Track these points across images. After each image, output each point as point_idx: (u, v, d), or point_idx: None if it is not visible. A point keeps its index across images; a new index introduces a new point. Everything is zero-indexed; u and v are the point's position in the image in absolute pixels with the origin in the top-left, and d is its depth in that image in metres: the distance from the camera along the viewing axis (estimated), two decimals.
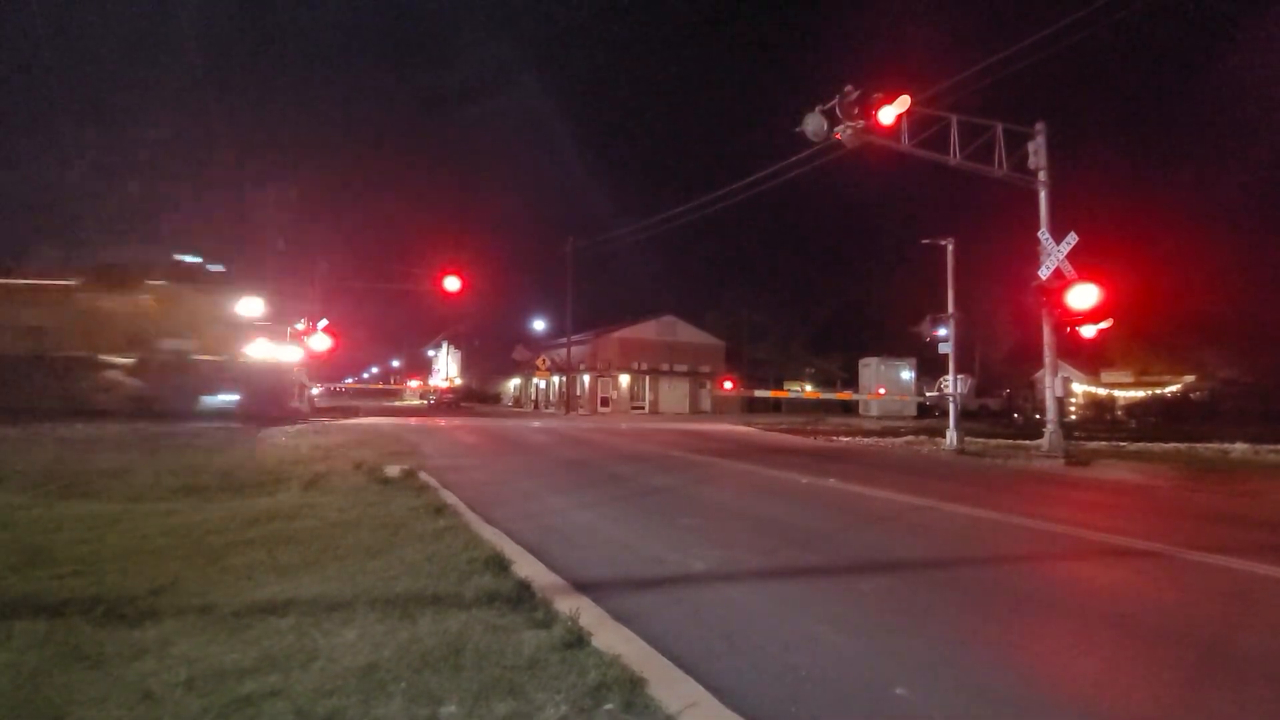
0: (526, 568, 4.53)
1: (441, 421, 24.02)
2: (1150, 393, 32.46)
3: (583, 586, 4.25)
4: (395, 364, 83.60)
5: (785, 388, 41.33)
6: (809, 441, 18.38)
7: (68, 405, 18.34)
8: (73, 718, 2.53)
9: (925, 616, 4.08)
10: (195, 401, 20.72)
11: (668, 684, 2.85)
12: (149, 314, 22.56)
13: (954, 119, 14.14)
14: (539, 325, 48.78)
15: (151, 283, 22.83)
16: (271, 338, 23.98)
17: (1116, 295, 13.25)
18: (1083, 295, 12.83)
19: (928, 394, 19.62)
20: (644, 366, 41.39)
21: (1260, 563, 5.34)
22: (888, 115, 13.25)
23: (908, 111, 13.66)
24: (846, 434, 21.15)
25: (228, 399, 21.25)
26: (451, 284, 24.19)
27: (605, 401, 41.14)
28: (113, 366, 20.87)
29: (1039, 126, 14.70)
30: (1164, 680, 3.27)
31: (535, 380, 46.91)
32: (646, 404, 41.48)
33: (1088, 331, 13.23)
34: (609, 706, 2.61)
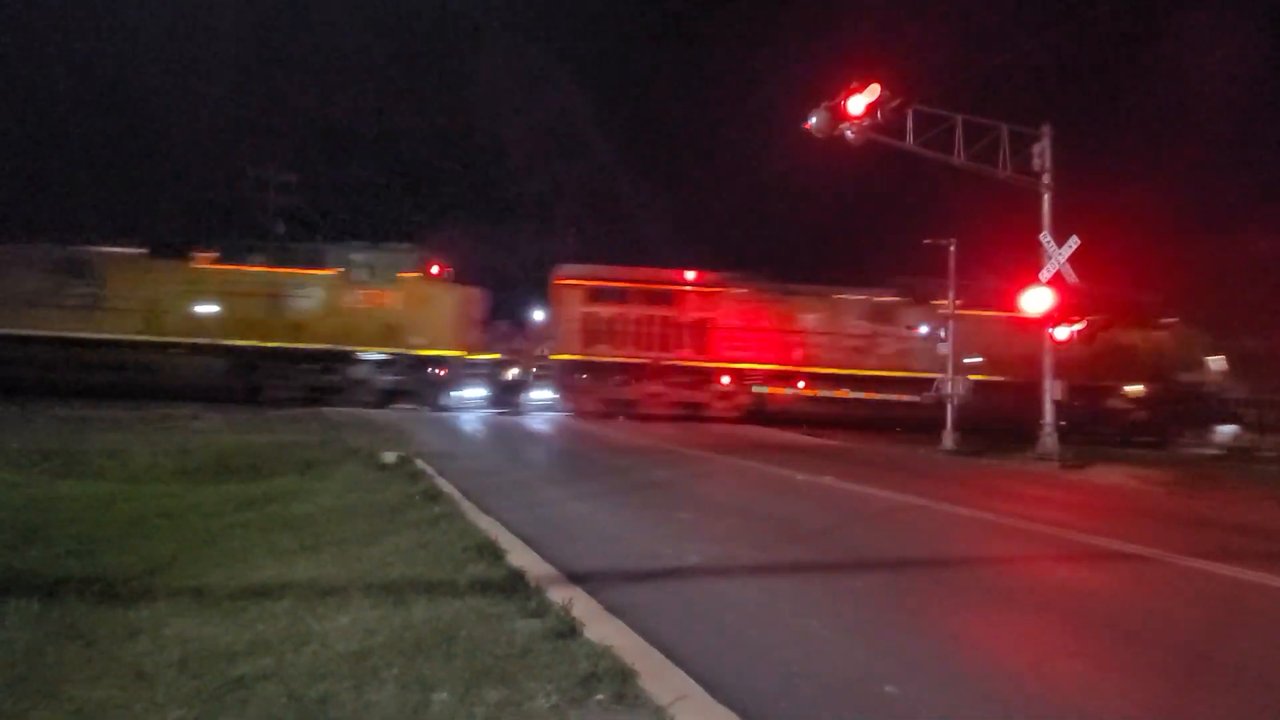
0: (521, 557, 4.55)
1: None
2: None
3: (576, 578, 4.26)
4: None
5: None
6: (806, 439, 18.42)
7: None
8: (66, 696, 2.55)
9: (916, 614, 4.10)
10: None
11: (659, 676, 2.87)
12: None
13: (959, 119, 14.08)
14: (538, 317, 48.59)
15: None
16: None
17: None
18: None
19: (925, 394, 19.63)
20: None
21: (1249, 569, 5.37)
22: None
23: (913, 111, 13.61)
24: (844, 432, 21.18)
25: None
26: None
27: None
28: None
29: (1044, 128, 14.65)
30: (1151, 682, 3.29)
31: None
32: None
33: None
34: (599, 697, 2.63)
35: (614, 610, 3.67)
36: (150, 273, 19.47)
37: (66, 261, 19.04)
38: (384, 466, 8.47)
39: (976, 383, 17.71)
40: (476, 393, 22.50)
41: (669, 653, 3.15)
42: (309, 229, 27.95)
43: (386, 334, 19.78)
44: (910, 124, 13.79)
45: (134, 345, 18.99)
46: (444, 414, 19.93)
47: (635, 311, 21.49)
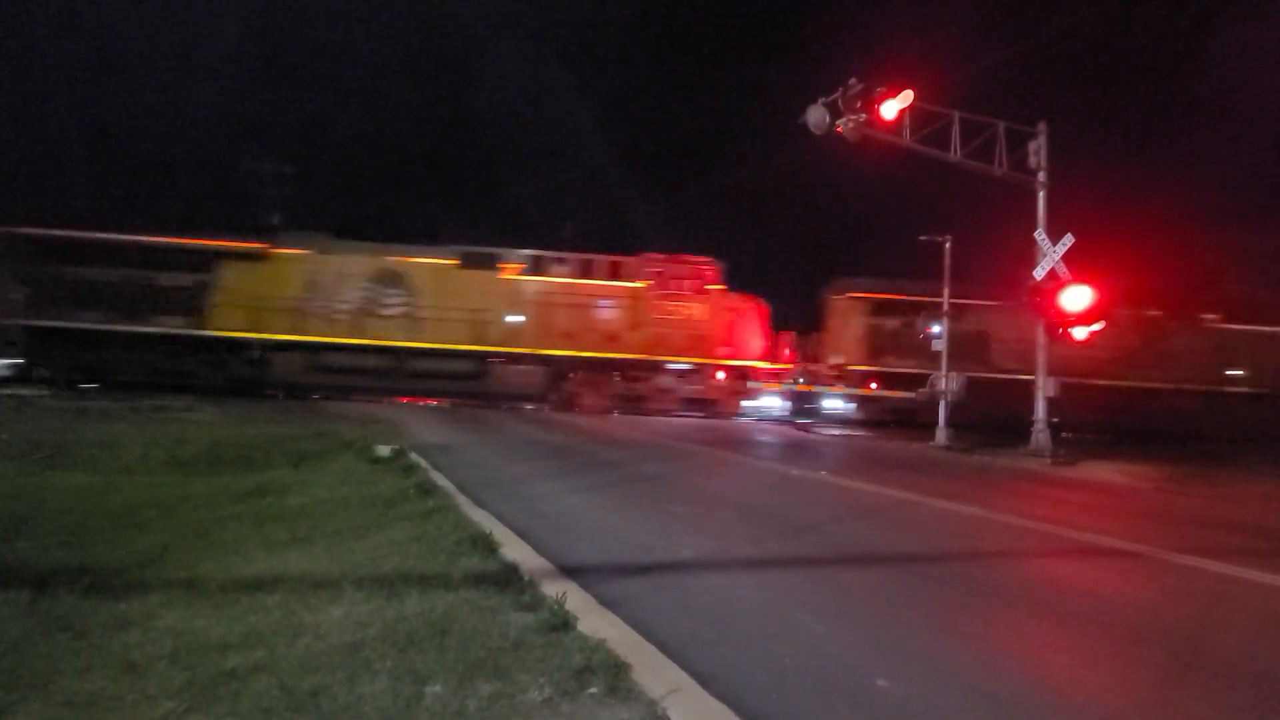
0: (515, 550, 4.55)
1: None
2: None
3: (570, 571, 4.27)
4: None
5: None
6: (802, 434, 18.48)
7: None
8: (57, 687, 2.53)
9: (908, 609, 4.13)
10: None
11: (652, 669, 2.88)
12: None
13: (956, 116, 14.10)
14: None
15: None
16: None
17: (1112, 297, 13.37)
18: (1077, 297, 12.92)
19: (919, 391, 19.71)
20: None
21: (1238, 565, 5.42)
22: (890, 110, 13.18)
23: (910, 107, 13.61)
24: (839, 427, 21.27)
25: None
26: None
27: None
28: None
29: (1041, 126, 14.68)
30: (1140, 677, 3.32)
31: None
32: None
33: (1079, 333, 13.33)
34: (593, 690, 2.64)
35: (608, 603, 3.68)
36: (463, 283, 20.46)
37: (383, 272, 20.15)
38: (378, 459, 8.44)
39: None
40: (772, 402, 22.81)
41: (662, 646, 3.16)
42: (306, 222, 27.79)
43: (693, 344, 20.48)
44: (907, 121, 13.80)
45: (453, 354, 20.03)
46: (744, 423, 20.45)
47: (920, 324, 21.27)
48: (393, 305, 20.10)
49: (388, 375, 20.04)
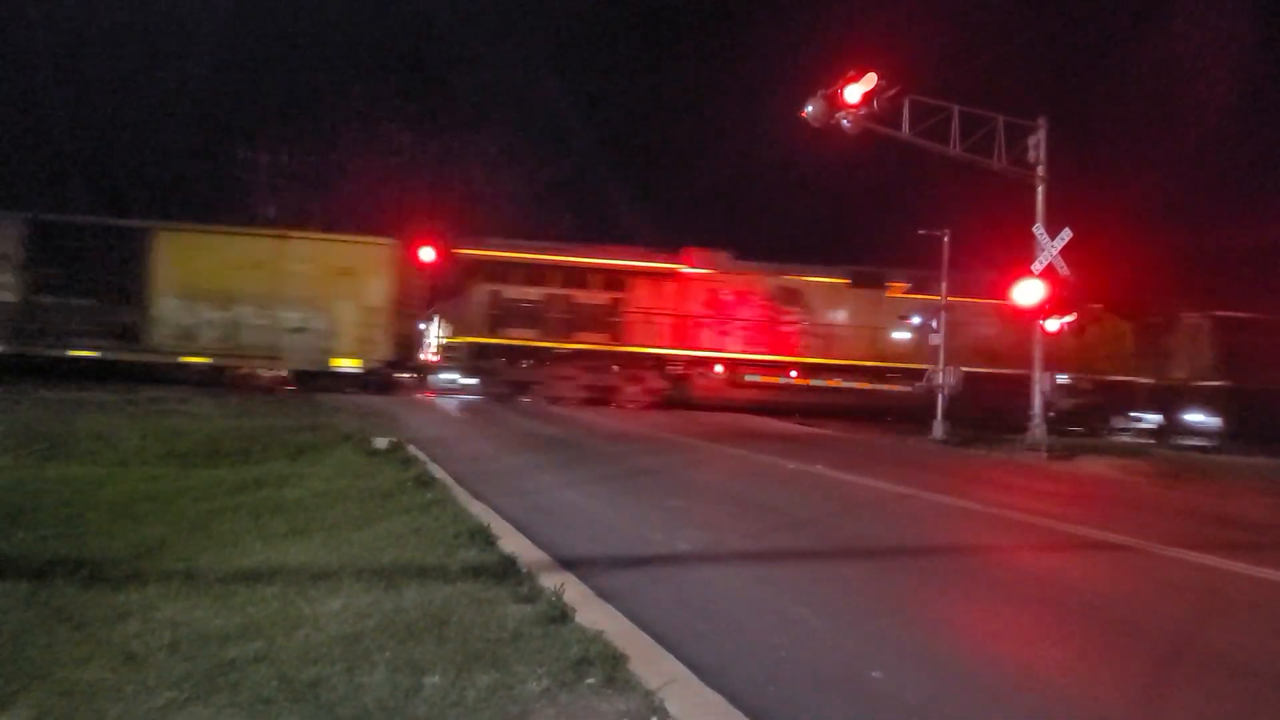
0: (512, 543, 4.57)
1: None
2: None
3: (568, 563, 4.29)
4: None
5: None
6: (798, 428, 18.52)
7: None
8: (56, 678, 2.54)
9: (903, 602, 4.16)
10: None
11: (649, 661, 2.90)
12: None
13: (955, 109, 14.06)
14: None
15: None
16: None
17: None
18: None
19: (916, 385, 19.74)
20: None
21: (1229, 559, 5.47)
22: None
23: (909, 101, 13.57)
24: (836, 421, 21.31)
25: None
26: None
27: None
28: None
29: (1040, 120, 14.65)
30: (1131, 668, 3.36)
31: None
32: None
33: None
34: (590, 681, 2.66)
35: (605, 595, 3.70)
36: (853, 301, 21.12)
37: (782, 290, 21.07)
38: (376, 452, 8.45)
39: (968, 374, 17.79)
40: (1150, 417, 21.74)
41: (659, 638, 3.18)
42: (302, 212, 27.68)
43: (1080, 358, 20.39)
44: (906, 114, 13.76)
45: (851, 369, 20.81)
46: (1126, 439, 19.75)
47: None
48: (792, 322, 21.13)
49: (795, 390, 20.98)
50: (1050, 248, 13.52)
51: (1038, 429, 14.36)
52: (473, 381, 20.50)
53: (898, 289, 21.15)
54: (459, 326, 20.81)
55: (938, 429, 16.76)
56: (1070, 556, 5.72)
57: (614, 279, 20.48)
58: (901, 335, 21.08)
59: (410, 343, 21.46)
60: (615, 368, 20.52)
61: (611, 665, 2.76)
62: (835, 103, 13.03)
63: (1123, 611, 4.21)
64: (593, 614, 3.34)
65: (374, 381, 19.70)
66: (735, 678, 2.90)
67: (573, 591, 3.59)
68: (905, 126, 13.87)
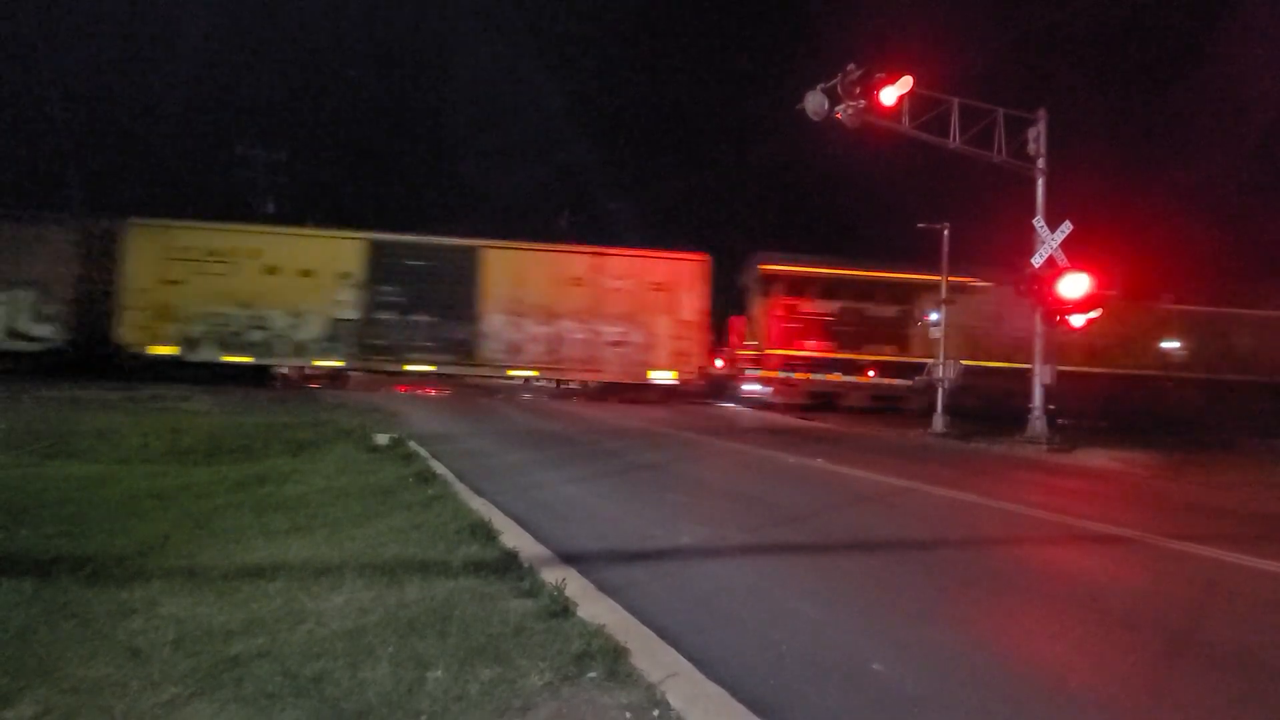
0: (514, 538, 4.58)
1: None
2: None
3: (569, 558, 4.30)
4: None
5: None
6: (798, 421, 18.53)
7: None
8: (61, 674, 2.56)
9: (904, 595, 4.17)
10: None
11: (650, 654, 2.91)
12: None
13: (955, 102, 14.02)
14: None
15: None
16: None
17: (1109, 285, 13.40)
18: (1074, 284, 12.95)
19: (916, 378, 19.76)
20: None
21: (1230, 551, 5.48)
22: (889, 96, 13.08)
23: (909, 94, 13.52)
24: (836, 415, 21.33)
25: None
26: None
27: None
28: None
29: (1040, 113, 14.61)
30: (1132, 661, 3.37)
31: None
32: None
33: (1077, 321, 13.39)
34: (592, 674, 2.67)
35: (606, 590, 3.72)
36: (1130, 313, 21.39)
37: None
38: (377, 448, 8.47)
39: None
40: None
41: (660, 631, 3.20)
42: (299, 208, 27.67)
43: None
44: (906, 107, 13.72)
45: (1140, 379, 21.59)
46: None
47: None
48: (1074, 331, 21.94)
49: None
50: (1050, 240, 13.50)
51: (1038, 421, 14.37)
52: (770, 391, 21.42)
53: (1166, 300, 22.18)
54: (759, 339, 21.55)
55: (938, 422, 16.78)
56: (1071, 549, 5.74)
57: (903, 292, 21.30)
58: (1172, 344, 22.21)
59: (715, 355, 22.49)
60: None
61: (613, 659, 2.77)
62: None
63: (1124, 603, 4.23)
64: (594, 608, 3.36)
65: (685, 392, 20.83)
66: (736, 670, 2.92)
67: (574, 586, 3.60)
68: (905, 120, 13.83)
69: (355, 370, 20.00)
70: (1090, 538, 6.05)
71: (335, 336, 19.43)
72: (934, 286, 18.88)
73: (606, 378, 20.66)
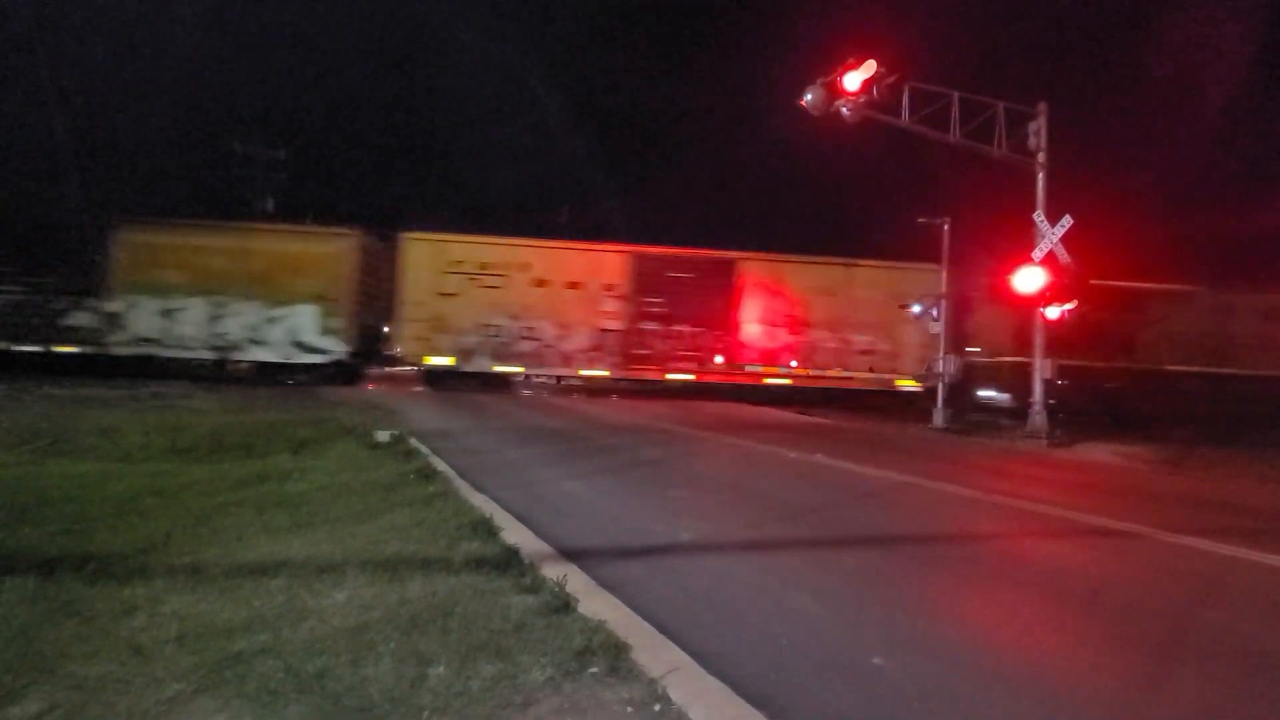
0: (515, 535, 4.59)
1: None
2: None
3: (570, 554, 4.31)
4: None
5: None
6: (798, 417, 18.54)
7: None
8: (65, 671, 2.57)
9: (904, 590, 4.18)
10: None
11: (651, 649, 2.92)
12: None
13: (955, 96, 13.97)
14: None
15: None
16: None
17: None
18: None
19: (919, 373, 19.78)
20: None
21: (1229, 544, 5.49)
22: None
23: (909, 88, 13.48)
24: (837, 410, 21.34)
25: None
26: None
27: None
28: None
29: (1040, 107, 14.57)
30: (1132, 655, 3.38)
31: None
32: None
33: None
34: (593, 670, 2.68)
35: (607, 586, 3.73)
36: None
37: (1223, 306, 21.67)
38: (378, 445, 8.48)
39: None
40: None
41: (661, 627, 3.21)
42: (298, 207, 27.66)
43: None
44: (906, 101, 13.68)
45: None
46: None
47: None
48: (1228, 336, 21.51)
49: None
50: (1050, 235, 13.48)
51: (1038, 416, 14.38)
52: (1008, 399, 21.27)
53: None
54: (991, 347, 21.64)
55: (938, 417, 16.79)
56: (1072, 543, 5.75)
57: (1133, 301, 21.37)
58: None
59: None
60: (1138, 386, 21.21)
61: (614, 654, 2.78)
62: (835, 90, 12.95)
63: (1124, 597, 4.24)
64: (595, 604, 3.37)
65: (922, 399, 20.93)
66: (737, 666, 2.93)
67: (575, 582, 3.62)
68: (905, 114, 13.79)
69: (619, 379, 20.75)
70: (1090, 532, 6.05)
71: (601, 347, 20.34)
72: (1168, 295, 19.56)
73: (855, 385, 21.26)
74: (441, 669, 2.63)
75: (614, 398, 20.63)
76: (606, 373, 20.47)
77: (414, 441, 8.88)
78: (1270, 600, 4.37)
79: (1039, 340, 14.60)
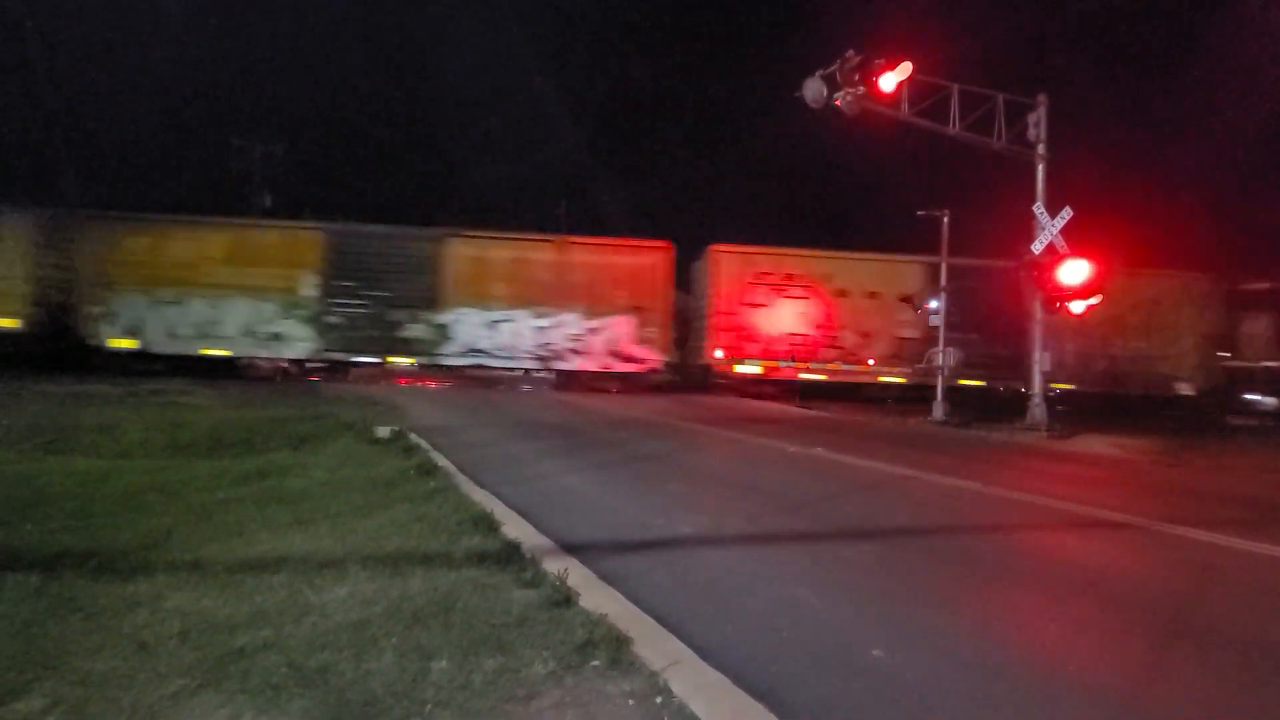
0: (515, 529, 4.60)
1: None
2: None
3: (571, 548, 4.33)
4: None
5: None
6: (798, 410, 18.57)
7: None
8: (68, 667, 2.58)
9: (904, 582, 4.20)
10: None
11: (652, 642, 2.94)
12: None
13: (955, 88, 13.92)
14: None
15: None
16: None
17: (1109, 272, 13.34)
18: (1074, 271, 12.90)
19: (916, 366, 19.79)
20: None
21: (1227, 535, 5.51)
22: (889, 83, 13.01)
23: (909, 80, 13.43)
24: (836, 404, 21.36)
25: None
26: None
27: None
28: None
29: (1040, 98, 14.53)
30: (1130, 645, 3.40)
31: None
32: None
33: (1076, 307, 13.34)
34: (595, 663, 2.70)
35: (608, 579, 3.74)
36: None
37: None
38: (378, 441, 8.49)
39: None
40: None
41: (662, 620, 3.22)
42: (296, 202, 27.59)
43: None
44: (906, 93, 13.63)
45: None
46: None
47: None
48: None
49: None
50: (1051, 227, 13.46)
51: (1037, 408, 14.40)
52: (1273, 401, 21.62)
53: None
54: (1255, 352, 22.09)
55: (937, 410, 16.81)
56: (1070, 534, 5.77)
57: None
58: None
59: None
60: None
61: (615, 647, 2.80)
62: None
63: (1123, 588, 4.26)
64: (596, 598, 3.38)
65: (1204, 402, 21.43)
66: (738, 658, 2.94)
67: (576, 576, 3.63)
68: (904, 106, 13.75)
69: (919, 384, 20.73)
70: (1088, 523, 6.08)
71: (898, 355, 21.04)
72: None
73: (1131, 390, 21.65)
74: (444, 663, 2.65)
75: (613, 392, 20.64)
76: (903, 380, 21.13)
77: (414, 437, 8.88)
78: (1266, 590, 4.39)
79: (1038, 334, 14.60)
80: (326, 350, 19.71)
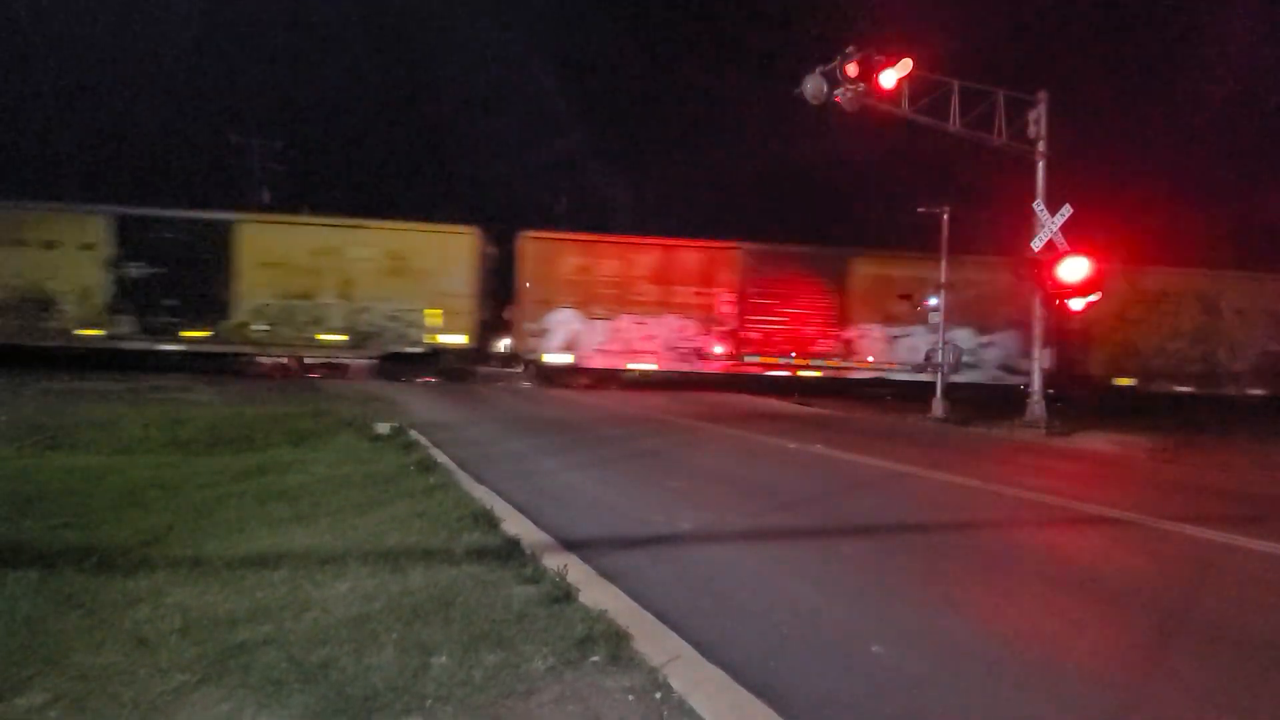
0: (515, 525, 4.61)
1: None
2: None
3: (571, 544, 4.33)
4: None
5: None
6: (797, 407, 18.57)
7: None
8: (69, 662, 2.59)
9: (903, 578, 4.21)
10: None
11: (652, 638, 2.94)
12: None
13: (955, 84, 13.89)
14: None
15: None
16: None
17: (1109, 269, 13.32)
18: (1074, 268, 12.91)
19: (914, 364, 19.79)
20: None
21: (1225, 531, 5.52)
22: (889, 79, 12.98)
23: (908, 76, 13.40)
24: (835, 401, 21.36)
25: None
26: None
27: None
28: None
29: (1041, 95, 14.49)
30: (1128, 640, 3.41)
31: None
32: None
33: (1076, 304, 13.36)
34: (595, 659, 2.70)
35: (608, 575, 3.75)
36: None
37: None
38: (378, 437, 8.49)
39: None
40: None
41: (662, 616, 3.23)
42: (295, 197, 27.54)
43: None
44: (906, 90, 13.60)
45: None
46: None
47: None
48: None
49: None
50: (1050, 224, 13.44)
51: (1036, 405, 14.41)
52: None
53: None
54: None
55: (937, 407, 16.81)
56: (1069, 531, 5.78)
57: None
58: None
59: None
60: None
61: (615, 643, 2.80)
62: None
63: (1120, 584, 4.27)
64: (596, 594, 3.39)
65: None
66: (737, 654, 2.95)
67: (576, 572, 3.63)
68: (904, 103, 13.72)
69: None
70: (1087, 520, 6.09)
71: (1261, 368, 21.92)
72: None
73: (1233, 392, 22.27)
74: (444, 658, 2.65)
75: (613, 388, 20.64)
76: (1265, 391, 21.87)
77: (414, 433, 8.89)
78: (1264, 586, 4.40)
79: (1037, 331, 14.60)
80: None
